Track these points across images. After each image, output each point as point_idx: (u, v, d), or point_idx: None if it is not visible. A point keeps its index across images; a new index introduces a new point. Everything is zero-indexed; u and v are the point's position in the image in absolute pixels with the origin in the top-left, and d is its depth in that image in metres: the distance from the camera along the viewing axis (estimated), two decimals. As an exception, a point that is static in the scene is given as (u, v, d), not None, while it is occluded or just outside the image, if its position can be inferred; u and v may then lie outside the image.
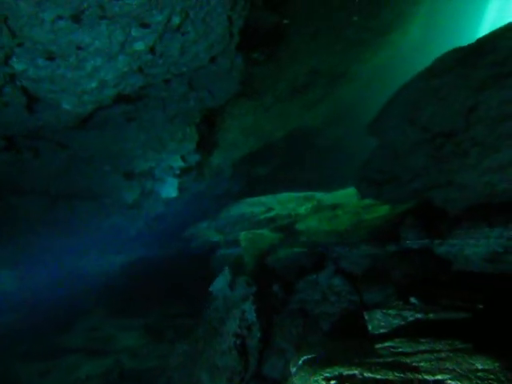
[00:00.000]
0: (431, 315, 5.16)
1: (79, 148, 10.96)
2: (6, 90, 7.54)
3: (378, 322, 5.49)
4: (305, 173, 23.40)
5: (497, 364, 3.38)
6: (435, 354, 3.81)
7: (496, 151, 7.94)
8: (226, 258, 13.77)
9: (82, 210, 13.59)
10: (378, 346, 4.45)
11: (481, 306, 5.24)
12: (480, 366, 3.41)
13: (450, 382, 3.39)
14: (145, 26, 7.08)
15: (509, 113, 7.82)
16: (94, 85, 7.94)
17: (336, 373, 3.83)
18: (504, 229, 7.27)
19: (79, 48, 7.05)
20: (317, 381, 3.95)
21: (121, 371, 13.46)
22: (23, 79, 7.41)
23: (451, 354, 3.73)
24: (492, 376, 3.25)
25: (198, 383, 9.48)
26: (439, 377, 3.45)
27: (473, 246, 7.63)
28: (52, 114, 8.81)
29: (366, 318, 5.74)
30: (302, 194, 17.09)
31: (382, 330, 5.30)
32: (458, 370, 3.41)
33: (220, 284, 11.44)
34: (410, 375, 3.50)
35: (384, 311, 5.60)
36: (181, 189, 15.04)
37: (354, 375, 3.72)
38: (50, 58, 7.11)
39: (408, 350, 4.10)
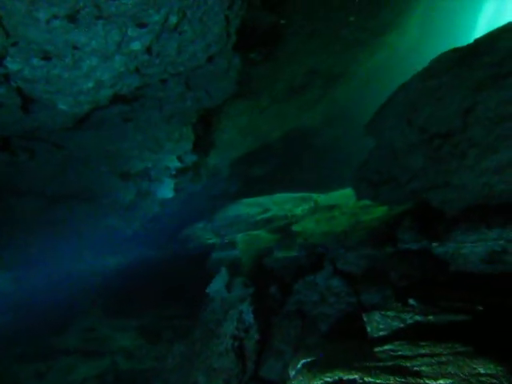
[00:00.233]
0: (430, 317, 5.12)
1: (75, 149, 10.88)
2: (1, 90, 7.45)
3: (376, 324, 5.45)
4: (302, 173, 23.37)
5: (499, 368, 3.34)
6: (436, 358, 3.77)
7: (494, 152, 7.92)
8: (222, 261, 13.71)
9: (78, 211, 13.51)
10: (378, 349, 4.41)
11: (480, 308, 5.21)
12: (482, 371, 3.38)
13: (452, 387, 3.35)
14: (141, 25, 7.02)
15: (507, 114, 7.80)
16: (90, 85, 7.86)
17: (336, 377, 3.78)
18: (502, 230, 7.26)
19: (75, 48, 6.98)
20: (316, 385, 3.91)
21: (116, 373, 13.41)
22: (18, 79, 7.32)
23: (452, 358, 3.69)
24: (495, 381, 3.21)
25: (194, 385, 9.44)
26: (441, 382, 3.40)
27: (471, 247, 7.61)
28: (48, 114, 8.73)
29: (365, 319, 5.70)
30: (298, 195, 17.06)
31: (381, 333, 5.26)
32: (460, 375, 3.37)
33: (217, 285, 11.39)
34: (411, 380, 3.45)
35: (383, 313, 5.56)
36: (177, 189, 14.99)
37: (354, 380, 3.68)
38: (46, 57, 7.04)
39: (408, 353, 4.06)
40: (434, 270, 8.13)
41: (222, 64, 9.69)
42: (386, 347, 4.38)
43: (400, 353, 4.14)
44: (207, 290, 11.61)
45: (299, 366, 4.55)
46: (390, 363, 3.90)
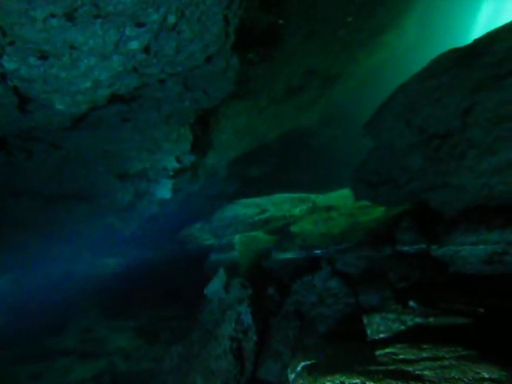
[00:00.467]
0: (431, 319, 5.08)
1: (73, 149, 10.82)
2: (-3, 89, 7.40)
3: (377, 326, 5.41)
4: (300, 174, 23.35)
5: (503, 373, 3.30)
6: (438, 362, 3.72)
7: (493, 153, 7.90)
8: (220, 262, 13.65)
9: (76, 211, 13.44)
10: (379, 352, 4.36)
11: (481, 310, 5.18)
12: (487, 375, 3.33)
13: (456, 392, 3.30)
14: (140, 25, 6.96)
15: (505, 114, 7.79)
16: (87, 85, 7.80)
17: (337, 382, 3.73)
18: (502, 231, 7.23)
19: (72, 47, 6.92)
20: (317, 389, 3.86)
21: (113, 374, 13.34)
22: (15, 79, 7.26)
23: (455, 362, 3.65)
24: (500, 386, 3.18)
25: (192, 387, 9.38)
26: (444, 386, 3.37)
27: (470, 249, 7.59)
28: (45, 114, 8.66)
29: (365, 321, 5.66)
30: (296, 196, 17.01)
31: (381, 335, 5.23)
32: (464, 380, 3.33)
33: (215, 286, 11.34)
34: (414, 385, 3.41)
35: (383, 315, 5.52)
36: (175, 190, 14.93)
37: (356, 384, 3.64)
38: (43, 57, 6.97)
39: (410, 356, 4.01)
40: (433, 271, 8.10)
41: (220, 64, 9.65)
42: (388, 350, 4.33)
43: (402, 356, 4.09)
44: (205, 291, 11.55)
45: (299, 368, 4.50)
46: (392, 367, 3.85)
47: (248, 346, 9.30)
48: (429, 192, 9.23)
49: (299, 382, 4.17)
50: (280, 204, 16.65)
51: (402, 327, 5.12)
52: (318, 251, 11.07)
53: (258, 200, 17.24)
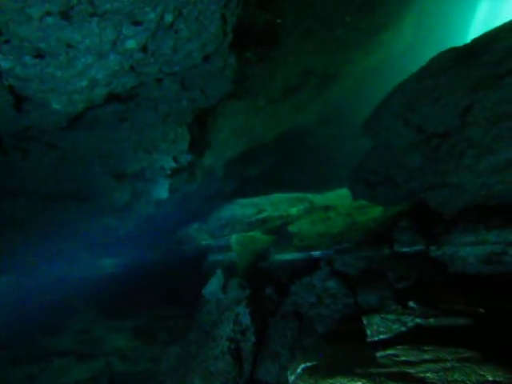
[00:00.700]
0: (431, 320, 5.04)
1: (69, 148, 10.73)
2: (-8, 88, 7.31)
3: (377, 327, 5.36)
4: (297, 173, 23.32)
5: (507, 376, 3.26)
6: (441, 364, 3.68)
7: (492, 153, 7.88)
8: (218, 263, 13.62)
9: (72, 212, 13.36)
10: (380, 353, 4.32)
11: (481, 311, 5.14)
12: (490, 378, 3.29)
13: (460, 395, 3.25)
14: (137, 23, 6.90)
15: (504, 113, 7.77)
16: (84, 84, 7.72)
17: (339, 384, 3.69)
18: (501, 231, 7.21)
19: (69, 46, 6.84)
20: (318, 392, 3.81)
21: (110, 375, 13.28)
22: (10, 77, 7.17)
23: (457, 364, 3.60)
24: (504, 389, 3.13)
25: (190, 388, 9.32)
26: (448, 389, 3.32)
27: (469, 249, 7.56)
28: (41, 113, 8.57)
29: (365, 322, 5.61)
30: (294, 195, 16.98)
31: (381, 336, 5.17)
32: (468, 382, 3.28)
33: (212, 287, 11.29)
34: (417, 387, 3.36)
35: (383, 316, 5.48)
36: (172, 190, 14.86)
37: (357, 387, 3.58)
38: (39, 55, 6.89)
39: (412, 358, 3.96)
40: (432, 271, 8.08)
41: (217, 63, 9.59)
42: (389, 352, 4.28)
43: (403, 358, 4.04)
44: (203, 292, 11.51)
45: (299, 370, 4.45)
46: (393, 369, 3.80)
47: (246, 346, 9.25)
48: (428, 191, 9.20)
49: (299, 384, 4.12)
50: (277, 204, 16.61)
51: (403, 328, 5.07)
52: (316, 252, 11.04)
53: (255, 200, 17.20)
